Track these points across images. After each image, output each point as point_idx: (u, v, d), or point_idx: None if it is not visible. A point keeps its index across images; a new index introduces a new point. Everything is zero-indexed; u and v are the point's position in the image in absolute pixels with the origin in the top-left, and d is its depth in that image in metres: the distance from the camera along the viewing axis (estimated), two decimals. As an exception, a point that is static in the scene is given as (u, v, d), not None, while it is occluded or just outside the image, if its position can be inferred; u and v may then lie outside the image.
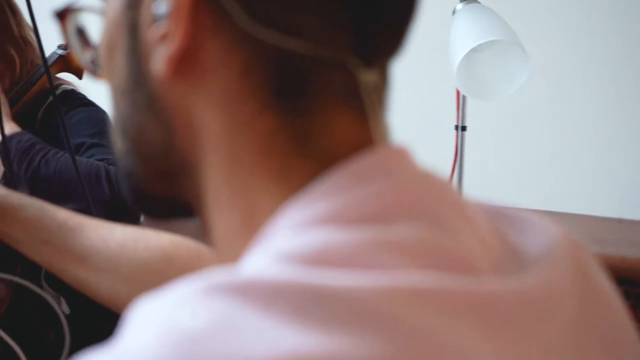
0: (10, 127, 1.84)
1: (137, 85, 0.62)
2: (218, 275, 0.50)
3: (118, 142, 0.66)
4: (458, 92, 2.43)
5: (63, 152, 1.77)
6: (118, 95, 0.64)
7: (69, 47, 0.74)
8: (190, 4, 0.57)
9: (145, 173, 0.65)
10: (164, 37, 0.58)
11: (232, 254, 0.59)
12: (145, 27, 0.60)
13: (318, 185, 0.56)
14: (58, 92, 1.90)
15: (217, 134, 0.59)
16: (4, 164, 1.78)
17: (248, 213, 0.59)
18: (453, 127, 2.47)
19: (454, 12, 2.33)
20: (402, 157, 0.59)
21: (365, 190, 0.56)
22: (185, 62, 0.58)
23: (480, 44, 2.21)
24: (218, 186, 0.60)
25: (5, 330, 1.35)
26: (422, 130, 3.10)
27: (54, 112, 1.86)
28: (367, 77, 0.59)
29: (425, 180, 0.59)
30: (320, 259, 0.51)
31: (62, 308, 1.67)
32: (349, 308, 0.49)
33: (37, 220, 1.12)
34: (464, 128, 2.46)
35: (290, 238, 0.54)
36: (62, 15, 0.74)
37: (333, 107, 0.58)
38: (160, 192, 0.65)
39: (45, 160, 1.76)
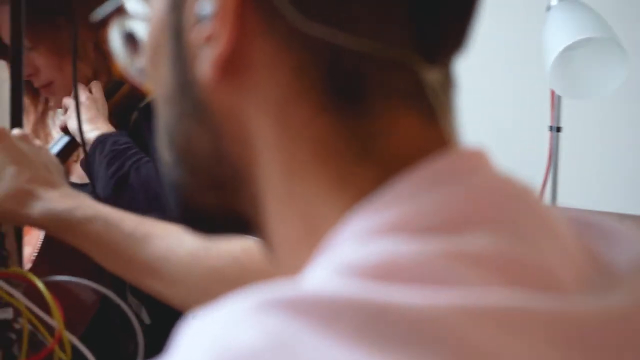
0: (107, 127, 1.85)
1: (182, 92, 0.59)
2: (274, 289, 0.47)
3: (165, 153, 0.63)
4: (552, 92, 2.37)
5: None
6: (163, 103, 0.61)
7: (113, 54, 0.72)
8: (237, 3, 0.54)
9: (195, 184, 0.62)
10: (209, 39, 0.55)
11: (294, 266, 0.56)
12: (189, 29, 0.57)
13: (385, 191, 0.52)
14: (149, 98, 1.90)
15: (271, 139, 0.56)
16: (86, 163, 1.77)
17: (309, 223, 0.55)
18: (547, 128, 2.41)
19: (548, 8, 2.28)
20: (477, 160, 0.55)
21: (437, 197, 0.52)
22: (232, 65, 0.55)
23: (576, 42, 2.16)
24: (276, 195, 0.57)
25: (86, 339, 1.36)
26: (513, 132, 3.04)
27: (147, 115, 1.85)
28: (431, 75, 0.55)
29: (504, 186, 0.55)
30: (385, 272, 0.48)
31: (142, 318, 1.67)
32: (415, 328, 0.45)
33: (102, 233, 1.12)
34: (558, 129, 2.40)
35: (354, 249, 0.50)
36: (105, 22, 0.72)
37: (395, 108, 0.54)
38: (212, 204, 0.62)
39: (136, 167, 1.76)
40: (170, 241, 1.11)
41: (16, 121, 1.41)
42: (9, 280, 1.25)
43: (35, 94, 2.01)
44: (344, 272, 0.48)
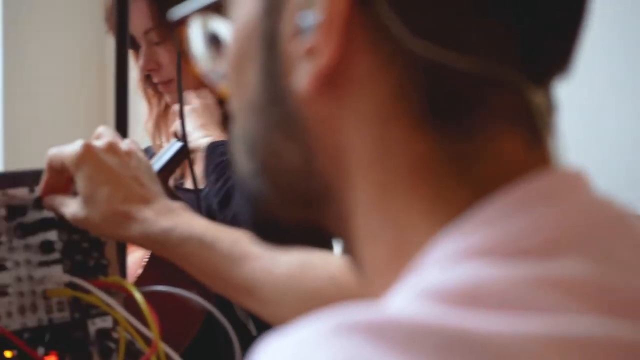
0: (219, 133, 1.85)
1: (271, 102, 0.58)
2: (352, 312, 0.46)
3: (243, 162, 0.61)
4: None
5: None
6: (246, 111, 0.60)
7: (188, 56, 0.71)
8: (345, 17, 0.53)
9: (277, 197, 0.61)
10: (310, 52, 0.54)
11: (383, 286, 0.55)
12: (286, 39, 0.56)
13: (476, 213, 0.51)
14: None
15: (366, 156, 0.55)
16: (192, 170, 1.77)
17: (399, 243, 0.54)
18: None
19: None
20: (574, 181, 0.54)
21: (529, 219, 0.50)
22: (332, 79, 0.54)
23: None
24: (367, 212, 0.56)
25: (189, 354, 1.36)
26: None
27: None
28: (537, 97, 0.54)
29: (600, 209, 0.53)
30: (469, 297, 0.46)
31: (249, 328, 1.67)
32: (495, 356, 0.43)
33: (198, 254, 1.13)
34: None
35: (439, 272, 0.49)
36: (183, 21, 0.71)
37: (497, 130, 0.53)
38: (294, 217, 0.62)
39: None
40: (266, 261, 1.11)
41: (121, 122, 1.42)
42: (108, 289, 1.25)
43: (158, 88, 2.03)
44: (426, 297, 0.47)
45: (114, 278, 1.26)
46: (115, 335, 1.25)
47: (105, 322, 1.26)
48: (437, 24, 0.52)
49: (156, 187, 1.19)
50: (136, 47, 1.98)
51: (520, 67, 0.53)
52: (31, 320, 1.20)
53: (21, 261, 1.20)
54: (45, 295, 1.21)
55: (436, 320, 0.45)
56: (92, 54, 3.49)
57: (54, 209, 1.18)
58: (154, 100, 2.07)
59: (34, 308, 1.20)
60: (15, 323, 1.18)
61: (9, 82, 3.28)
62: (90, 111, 3.45)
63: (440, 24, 0.52)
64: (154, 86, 2.04)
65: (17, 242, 1.20)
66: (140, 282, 1.51)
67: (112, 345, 1.25)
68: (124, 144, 1.20)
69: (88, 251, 1.26)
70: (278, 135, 0.58)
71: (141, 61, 1.99)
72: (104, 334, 1.25)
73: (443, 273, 0.49)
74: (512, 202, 0.51)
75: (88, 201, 1.15)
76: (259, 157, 0.60)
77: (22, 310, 1.19)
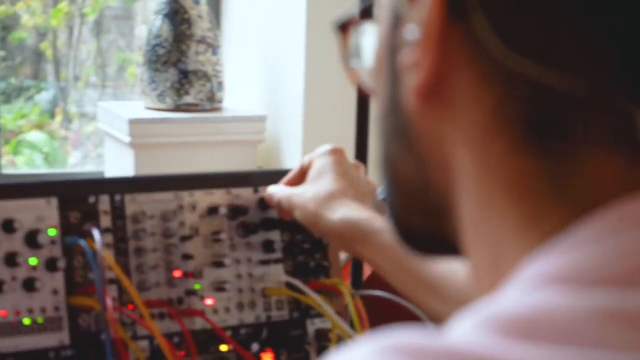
0: None
1: (393, 112, 0.61)
2: (404, 335, 0.48)
3: (380, 169, 0.65)
4: None
5: None
6: (380, 119, 0.64)
7: (345, 62, 0.75)
8: (440, 31, 0.55)
9: (402, 206, 0.64)
10: (414, 65, 0.57)
11: (482, 298, 0.57)
12: (400, 50, 0.59)
13: (567, 236, 0.51)
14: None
15: (468, 171, 0.57)
16: None
17: (495, 259, 0.56)
18: None
19: None
20: None
21: (615, 245, 0.49)
22: (434, 93, 0.57)
23: None
24: (470, 225, 0.58)
25: None
26: None
27: None
28: None
29: None
30: (529, 328, 0.47)
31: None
32: None
33: (391, 248, 1.16)
34: None
35: (516, 297, 0.50)
36: (345, 27, 0.75)
37: (597, 152, 0.53)
38: (417, 226, 0.64)
39: None
40: (453, 262, 1.12)
41: (362, 125, 1.47)
42: (327, 291, 1.32)
43: None
44: (488, 324, 0.48)
45: (333, 280, 1.33)
46: (331, 336, 1.31)
47: (325, 323, 1.32)
48: (536, 41, 0.52)
49: (369, 197, 1.26)
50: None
51: (623, 87, 0.52)
52: (249, 317, 1.28)
53: (242, 259, 1.28)
54: (265, 294, 1.29)
55: (483, 351, 0.45)
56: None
57: (271, 191, 1.27)
58: None
59: (252, 305, 1.28)
60: (233, 318, 1.27)
61: (310, 83, 3.42)
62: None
63: (539, 42, 0.52)
64: None
65: (239, 240, 1.28)
66: (367, 285, 1.55)
67: (330, 346, 1.31)
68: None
69: (310, 252, 1.33)
70: (396, 145, 0.62)
71: None
72: (322, 334, 1.31)
73: (518, 298, 0.49)
74: (602, 226, 0.50)
75: (312, 180, 1.25)
76: (385, 165, 0.64)
77: (240, 306, 1.27)
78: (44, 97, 5.01)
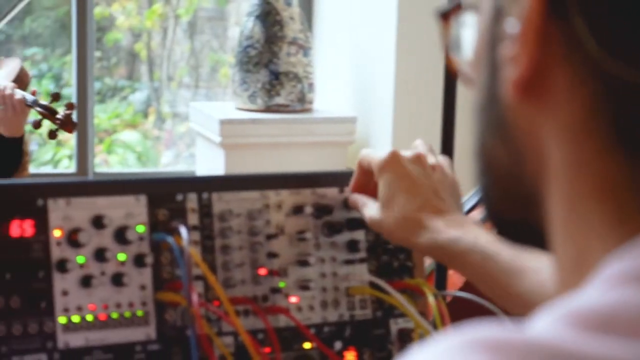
0: None
1: (490, 103, 0.63)
2: (484, 329, 0.50)
3: (475, 159, 0.67)
4: None
5: None
6: (477, 110, 0.66)
7: (449, 50, 0.76)
8: (538, 28, 0.56)
9: (494, 195, 0.66)
10: (513, 59, 0.58)
11: (565, 293, 0.58)
12: (501, 44, 0.60)
13: None
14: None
15: (559, 167, 0.58)
16: None
17: (579, 256, 0.57)
18: None
19: None
20: None
21: None
22: (532, 87, 0.58)
23: None
24: (558, 219, 0.59)
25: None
26: None
27: None
28: None
29: None
30: (605, 322, 0.49)
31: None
32: None
33: (480, 265, 1.17)
34: None
35: (597, 294, 0.51)
36: (446, 16, 0.76)
37: None
38: (509, 215, 0.66)
39: None
40: (545, 275, 1.13)
41: (449, 126, 1.48)
42: (410, 291, 1.33)
43: None
44: (567, 319, 0.50)
45: (416, 280, 1.34)
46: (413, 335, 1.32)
47: (408, 323, 1.33)
48: (633, 45, 0.53)
49: (453, 202, 1.25)
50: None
51: None
52: (332, 315, 1.30)
53: (326, 258, 1.30)
54: (348, 293, 1.31)
55: (561, 344, 0.47)
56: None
57: (356, 207, 1.28)
58: None
59: (336, 304, 1.30)
60: (316, 317, 1.29)
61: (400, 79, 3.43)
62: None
63: (636, 46, 0.53)
64: None
65: (324, 240, 1.30)
66: (465, 287, 1.56)
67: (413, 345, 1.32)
68: (434, 158, 1.28)
69: (393, 253, 1.34)
70: (492, 136, 0.63)
71: None
72: (405, 334, 1.33)
73: (598, 295, 0.51)
74: None
75: (385, 205, 1.23)
76: (479, 156, 0.66)
77: (324, 304, 1.29)
78: (138, 97, 5.10)
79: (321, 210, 1.30)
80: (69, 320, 1.16)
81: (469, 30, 0.69)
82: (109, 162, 4.96)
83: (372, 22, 3.60)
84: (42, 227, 1.16)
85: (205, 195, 1.24)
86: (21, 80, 2.92)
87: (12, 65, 3.01)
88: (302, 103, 3.57)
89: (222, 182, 1.26)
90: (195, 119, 3.79)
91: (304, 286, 1.28)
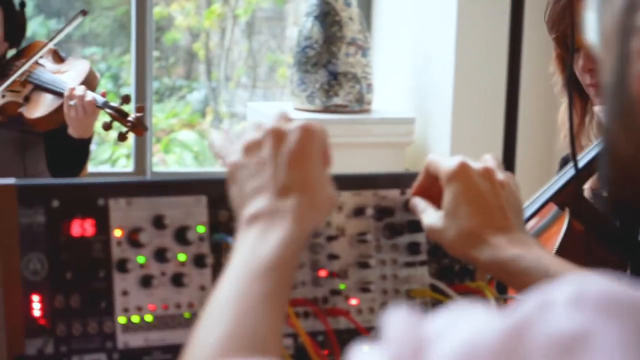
0: None
1: (619, 93, 0.63)
2: (593, 282, 0.52)
3: (600, 142, 0.69)
4: None
5: None
6: (604, 97, 0.66)
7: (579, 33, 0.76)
8: None
9: (616, 181, 0.67)
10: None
11: None
12: (632, 36, 0.61)
13: None
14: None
15: None
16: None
17: None
18: None
19: None
20: None
21: None
22: None
23: None
24: None
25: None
26: None
27: None
28: None
29: None
30: None
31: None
32: None
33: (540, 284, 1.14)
34: None
35: None
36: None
37: None
38: (629, 201, 0.67)
39: None
40: None
41: (510, 128, 1.45)
42: (472, 294, 1.31)
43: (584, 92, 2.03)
44: None
45: (478, 284, 1.32)
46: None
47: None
48: None
49: (517, 221, 1.23)
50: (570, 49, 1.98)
51: None
52: (393, 318, 1.29)
53: (387, 260, 1.29)
54: (409, 295, 1.30)
55: None
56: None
57: (415, 212, 1.27)
58: (579, 106, 2.07)
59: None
60: (376, 319, 1.28)
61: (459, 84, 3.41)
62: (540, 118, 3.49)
63: None
64: (580, 91, 2.04)
65: (384, 242, 1.29)
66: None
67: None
68: (502, 175, 1.25)
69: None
70: (618, 125, 0.63)
71: (581, 61, 2.00)
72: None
73: None
74: None
75: (449, 215, 1.21)
76: (605, 142, 0.66)
77: (384, 307, 1.28)
78: (196, 96, 5.12)
79: (382, 212, 1.29)
80: (129, 320, 1.16)
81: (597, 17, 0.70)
82: (167, 162, 4.99)
83: (431, 22, 3.58)
84: (103, 226, 1.16)
85: (265, 196, 1.23)
86: (90, 82, 2.93)
87: (80, 67, 3.02)
88: (360, 104, 3.56)
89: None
90: (253, 119, 3.80)
91: (364, 288, 1.27)
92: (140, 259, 1.17)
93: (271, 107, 3.76)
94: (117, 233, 1.16)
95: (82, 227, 1.15)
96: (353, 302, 1.27)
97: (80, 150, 2.89)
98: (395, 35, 3.89)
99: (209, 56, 4.99)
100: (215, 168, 4.92)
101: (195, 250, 1.19)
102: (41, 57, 3.06)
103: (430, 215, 1.23)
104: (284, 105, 3.78)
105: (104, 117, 2.91)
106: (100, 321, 1.15)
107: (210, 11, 4.83)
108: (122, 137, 2.85)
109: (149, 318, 1.17)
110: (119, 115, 2.82)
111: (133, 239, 1.16)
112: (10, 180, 1.13)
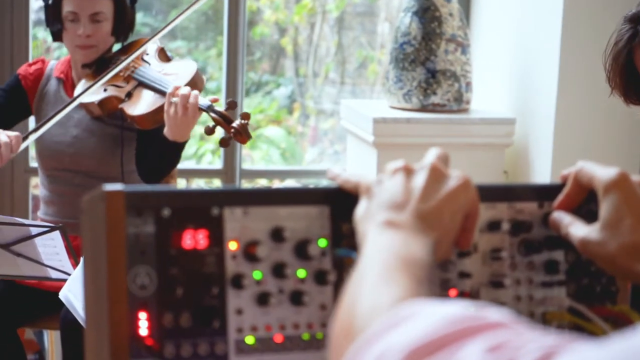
0: None
1: None
2: None
3: None
4: None
5: None
6: None
7: None
8: None
9: None
10: None
11: None
12: None
13: None
14: None
15: None
16: None
17: None
18: None
19: None
20: None
21: None
22: None
23: None
24: None
25: None
26: None
27: None
28: None
29: None
30: None
31: None
32: None
33: None
34: None
35: None
36: None
37: None
38: None
39: None
40: None
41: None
42: (614, 319, 1.20)
43: None
44: None
45: (620, 307, 1.20)
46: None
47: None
48: None
49: None
50: None
51: None
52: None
53: (522, 279, 1.17)
54: (545, 318, 1.18)
55: None
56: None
57: (557, 225, 1.15)
58: None
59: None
60: (510, 344, 1.16)
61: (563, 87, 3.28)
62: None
63: None
64: None
65: (519, 259, 1.18)
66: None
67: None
68: None
69: (596, 275, 1.20)
70: None
71: None
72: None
73: None
74: None
75: (609, 227, 1.10)
76: None
77: (518, 331, 1.17)
78: (282, 92, 5.04)
79: (518, 226, 1.17)
80: (243, 342, 1.06)
81: None
82: (253, 158, 4.91)
83: (534, 18, 3.44)
84: (217, 238, 1.06)
85: (392, 208, 1.12)
86: (195, 84, 2.85)
87: (187, 68, 2.95)
88: (458, 103, 3.44)
89: (412, 193, 1.14)
90: (346, 116, 3.70)
91: (497, 310, 1.16)
92: (257, 275, 1.07)
93: (365, 105, 3.65)
94: (232, 246, 1.06)
95: (194, 239, 1.05)
96: (484, 325, 1.15)
97: (171, 153, 2.81)
98: (495, 31, 3.76)
99: (297, 51, 4.90)
100: (302, 165, 4.84)
101: (316, 266, 1.09)
102: (144, 52, 3.00)
103: (581, 228, 1.12)
104: (379, 103, 3.67)
105: (204, 121, 2.83)
106: (211, 342, 1.05)
107: (300, 6, 4.74)
108: (224, 143, 2.75)
109: (264, 339, 1.07)
110: (224, 121, 2.72)
111: (249, 253, 1.06)
112: (118, 186, 1.03)
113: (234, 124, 2.71)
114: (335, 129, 4.82)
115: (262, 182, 4.65)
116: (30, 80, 3.06)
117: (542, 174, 3.34)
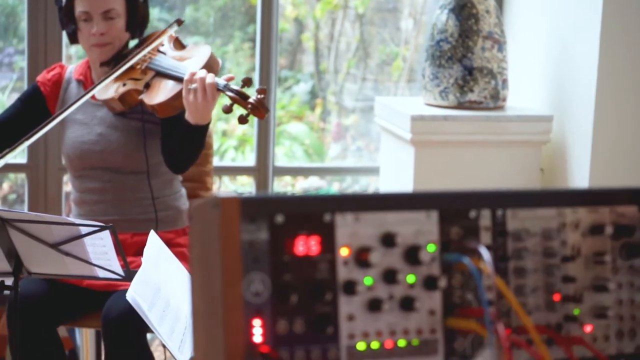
0: None
1: None
2: None
3: None
4: None
5: None
6: None
7: None
8: None
9: None
10: None
11: None
12: None
13: None
14: None
15: None
16: None
17: None
18: None
19: None
20: None
21: None
22: None
23: None
24: None
25: None
26: None
27: None
28: None
29: None
30: None
31: None
32: None
33: None
34: None
35: None
36: None
37: None
38: None
39: None
40: None
41: None
42: None
43: None
44: None
45: None
46: None
47: None
48: None
49: None
50: None
51: None
52: (629, 347, 1.17)
53: (624, 283, 1.18)
54: (646, 322, 1.18)
55: None
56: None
57: None
58: None
59: (632, 334, 1.17)
60: (611, 348, 1.16)
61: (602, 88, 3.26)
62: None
63: None
64: None
65: (621, 263, 1.18)
66: None
67: None
68: None
69: (696, 279, 1.21)
70: None
71: None
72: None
73: None
74: None
75: None
76: None
77: (619, 335, 1.17)
78: (302, 88, 5.03)
79: (621, 230, 1.17)
80: (354, 348, 1.06)
81: None
82: (276, 155, 4.91)
83: (572, 14, 3.43)
84: (329, 244, 1.06)
85: (499, 212, 1.12)
86: (211, 67, 2.87)
87: (202, 52, 2.97)
88: (495, 100, 3.44)
89: (518, 198, 1.14)
90: (381, 113, 3.69)
91: (600, 314, 1.16)
92: (368, 281, 1.07)
93: (400, 103, 3.65)
94: (344, 252, 1.06)
95: (306, 245, 1.05)
96: (587, 328, 1.15)
97: (196, 137, 2.82)
98: (530, 27, 3.75)
99: (317, 47, 4.89)
100: (324, 162, 4.83)
101: (426, 272, 1.09)
102: (161, 44, 3.01)
103: None
104: (415, 100, 3.67)
105: (222, 101, 2.84)
106: (324, 348, 1.05)
107: (325, 2, 4.73)
108: (242, 120, 2.76)
109: (375, 345, 1.07)
110: (240, 98, 2.74)
111: (361, 259, 1.06)
112: (233, 194, 1.03)
113: (251, 99, 2.73)
114: (358, 125, 4.82)
115: (286, 180, 4.65)
116: (49, 85, 3.09)
117: (579, 172, 3.33)
